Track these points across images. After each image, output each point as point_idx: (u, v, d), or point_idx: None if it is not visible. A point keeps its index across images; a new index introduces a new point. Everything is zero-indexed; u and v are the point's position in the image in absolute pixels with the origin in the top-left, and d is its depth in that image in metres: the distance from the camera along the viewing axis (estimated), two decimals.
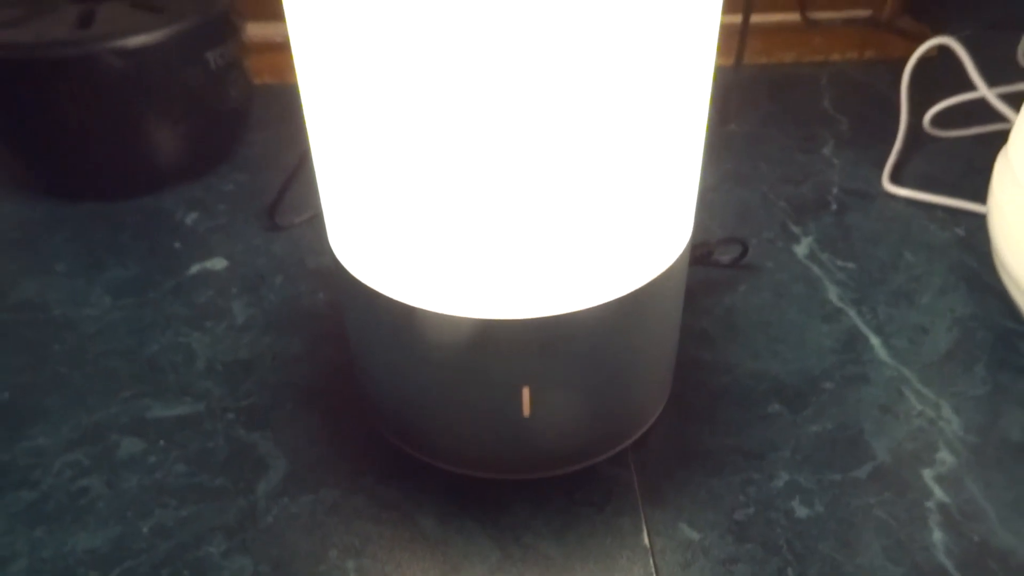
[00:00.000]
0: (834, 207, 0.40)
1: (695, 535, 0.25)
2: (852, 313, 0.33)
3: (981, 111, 0.43)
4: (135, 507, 0.26)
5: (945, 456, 0.27)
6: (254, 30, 0.49)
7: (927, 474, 0.26)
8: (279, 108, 0.48)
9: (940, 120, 0.45)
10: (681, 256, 0.25)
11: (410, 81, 0.19)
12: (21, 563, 0.24)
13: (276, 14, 0.51)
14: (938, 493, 0.26)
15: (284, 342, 0.32)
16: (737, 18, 0.50)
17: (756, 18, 0.53)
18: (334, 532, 0.25)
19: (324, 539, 0.25)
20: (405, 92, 0.19)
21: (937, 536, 0.25)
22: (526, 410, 0.24)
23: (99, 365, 0.31)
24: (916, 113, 0.45)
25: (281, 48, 0.52)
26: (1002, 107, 0.40)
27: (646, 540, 0.25)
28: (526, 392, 0.24)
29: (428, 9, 0.17)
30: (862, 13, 0.55)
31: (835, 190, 0.41)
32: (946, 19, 0.56)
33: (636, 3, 0.18)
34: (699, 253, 0.35)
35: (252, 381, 0.31)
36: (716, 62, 0.51)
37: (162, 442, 0.28)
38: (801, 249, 0.37)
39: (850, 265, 0.36)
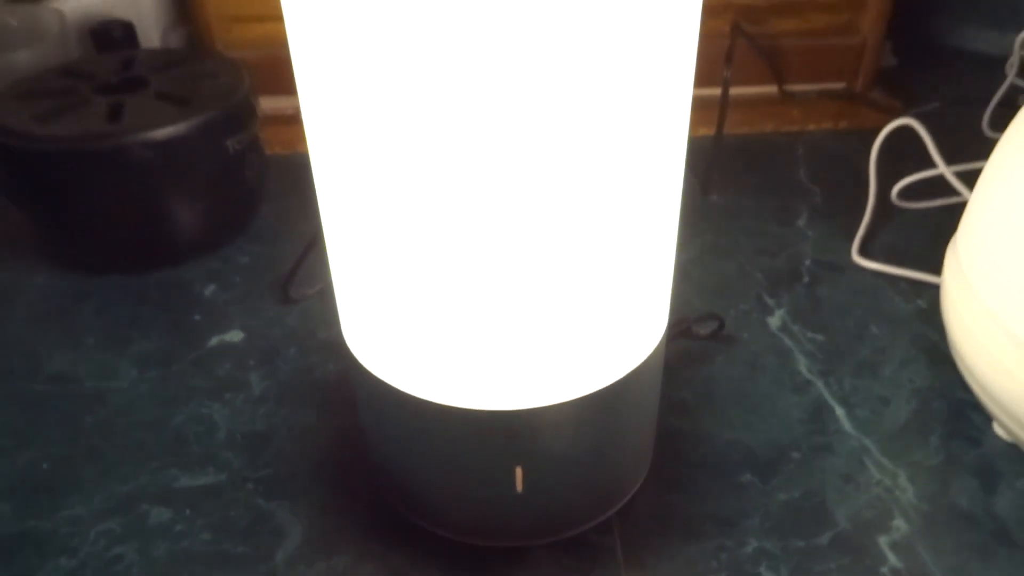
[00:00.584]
0: (806, 279, 0.43)
1: None
2: (820, 384, 0.36)
3: (944, 185, 0.47)
4: (166, 574, 0.29)
5: (900, 524, 0.30)
6: (266, 103, 0.52)
7: (883, 541, 0.29)
8: (290, 179, 0.51)
9: (907, 193, 0.48)
10: (657, 348, 0.28)
11: (407, 202, 0.22)
12: None
13: (287, 88, 0.54)
14: (892, 559, 0.29)
15: (298, 413, 0.35)
16: (718, 91, 0.54)
17: (736, 90, 0.56)
18: None
19: None
20: (403, 212, 0.22)
21: None
22: (519, 486, 0.27)
23: (129, 437, 0.34)
24: (885, 185, 0.48)
25: (291, 120, 0.55)
26: (960, 186, 0.44)
27: None
28: (519, 471, 0.27)
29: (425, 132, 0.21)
30: (836, 86, 0.59)
31: (808, 262, 0.44)
32: (917, 91, 0.60)
33: (605, 106, 0.21)
34: (679, 329, 0.38)
35: (269, 451, 0.33)
36: (699, 132, 0.54)
37: (188, 511, 0.31)
38: (775, 321, 0.40)
39: (819, 337, 0.39)
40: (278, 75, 0.55)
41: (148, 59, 0.46)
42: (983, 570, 0.28)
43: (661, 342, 0.28)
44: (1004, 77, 0.58)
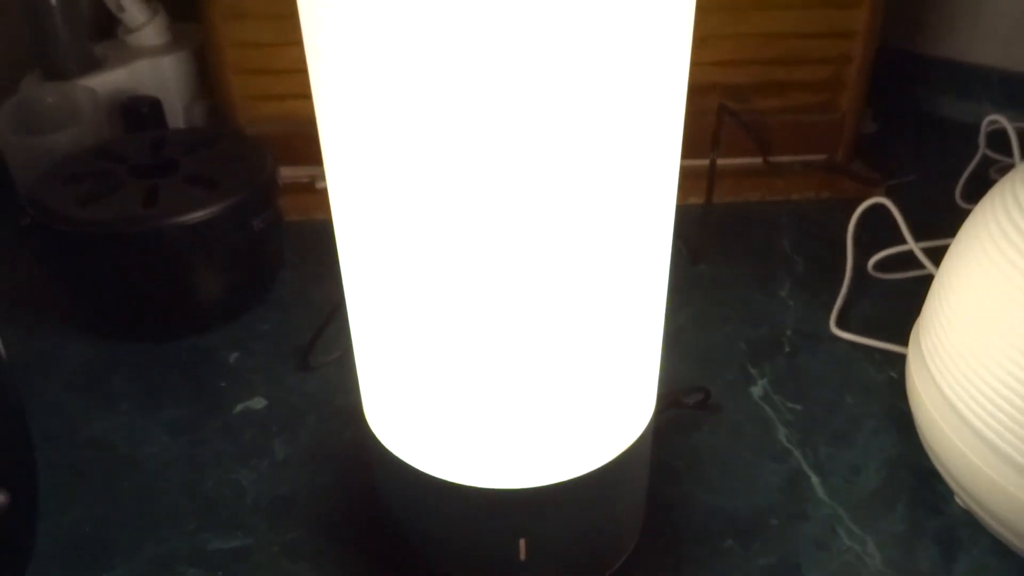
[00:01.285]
0: (787, 349, 0.46)
1: None
2: (797, 453, 0.39)
3: (917, 258, 0.50)
4: None
5: None
6: (283, 171, 0.56)
7: None
8: (306, 245, 0.54)
9: (882, 265, 0.51)
10: (645, 430, 0.31)
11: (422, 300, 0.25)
12: None
13: (303, 159, 0.58)
14: None
15: (318, 477, 0.38)
16: (707, 162, 0.57)
17: (725, 162, 0.60)
18: None
19: None
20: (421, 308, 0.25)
21: None
22: (522, 555, 0.30)
23: (164, 501, 0.37)
24: (862, 257, 0.52)
25: (306, 188, 0.59)
26: (927, 262, 0.47)
27: None
28: (523, 542, 0.30)
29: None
30: (818, 157, 0.62)
31: (789, 332, 0.47)
32: (896, 160, 0.64)
33: (598, 197, 0.24)
34: (668, 399, 0.41)
35: (293, 515, 0.36)
36: (689, 201, 0.58)
37: (220, 573, 0.34)
38: (757, 391, 0.43)
39: (798, 407, 0.42)
40: (295, 147, 0.59)
41: (177, 140, 0.50)
42: None
43: (649, 424, 0.31)
44: (978, 148, 0.62)
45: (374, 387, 0.29)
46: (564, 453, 0.28)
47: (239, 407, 0.42)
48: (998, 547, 0.34)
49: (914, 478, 0.38)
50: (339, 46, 0.22)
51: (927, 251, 0.48)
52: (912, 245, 0.48)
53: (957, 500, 0.36)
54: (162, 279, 0.45)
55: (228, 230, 0.45)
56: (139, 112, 0.56)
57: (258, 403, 0.43)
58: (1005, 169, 0.60)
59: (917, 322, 0.37)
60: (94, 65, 0.60)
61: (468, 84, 0.20)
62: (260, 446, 0.40)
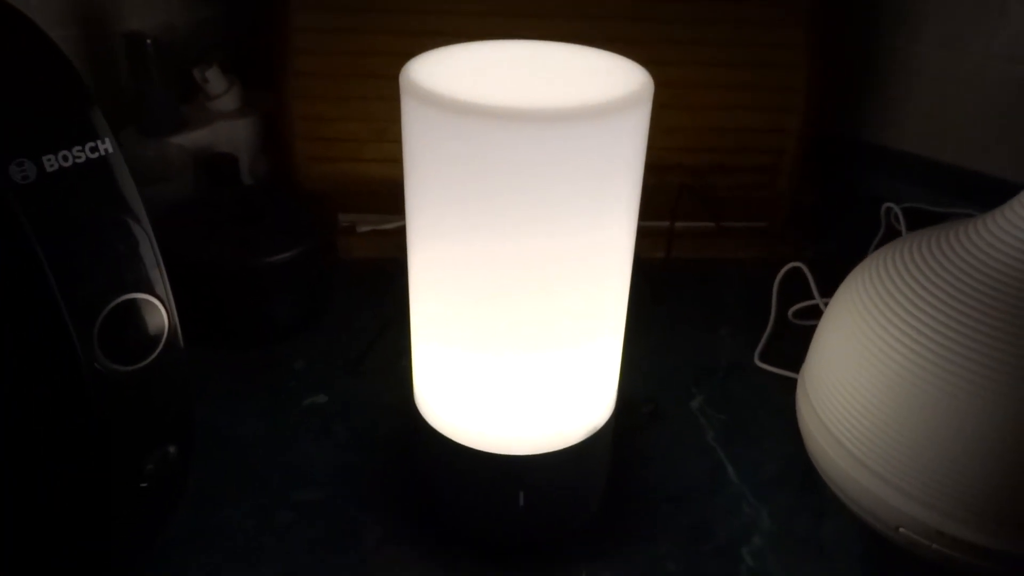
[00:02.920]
0: (720, 375, 0.61)
1: None
2: (719, 450, 0.54)
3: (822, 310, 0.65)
4: (297, 550, 0.45)
5: (757, 540, 0.47)
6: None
7: (744, 550, 0.47)
8: (351, 278, 0.69)
9: (799, 313, 0.66)
10: (608, 420, 0.45)
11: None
12: None
13: (352, 208, 0.72)
14: (748, 561, 0.46)
15: (368, 452, 0.52)
16: (666, 223, 0.72)
17: (685, 224, 0.75)
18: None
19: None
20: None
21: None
22: (521, 503, 0.44)
23: (260, 467, 0.51)
24: (784, 307, 0.67)
25: (350, 231, 0.73)
26: None
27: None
28: (522, 493, 0.44)
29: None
30: (760, 224, 0.78)
31: (723, 362, 0.62)
32: (824, 230, 0.79)
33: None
34: (627, 407, 0.56)
35: (351, 478, 0.50)
36: (656, 255, 0.73)
37: (305, 514, 0.48)
38: (695, 404, 0.58)
39: (723, 417, 0.57)
40: (343, 199, 0.73)
41: (258, 195, 0.65)
42: (807, 569, 0.46)
43: (610, 419, 0.46)
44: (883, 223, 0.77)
45: (426, 378, 0.44)
46: (551, 433, 0.42)
47: (307, 401, 0.56)
48: (854, 519, 0.49)
49: (800, 471, 0.52)
50: (430, 182, 0.36)
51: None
52: (818, 300, 0.63)
53: (829, 486, 0.50)
54: (250, 303, 0.59)
55: (299, 268, 0.59)
56: (220, 168, 0.71)
57: (321, 399, 0.57)
58: None
59: (804, 360, 0.52)
60: (182, 125, 0.74)
61: (496, 197, 0.35)
62: (325, 430, 0.54)
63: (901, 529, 0.43)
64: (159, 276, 0.39)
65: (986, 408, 0.39)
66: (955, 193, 0.84)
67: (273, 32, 0.69)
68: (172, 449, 0.42)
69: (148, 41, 0.69)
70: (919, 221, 0.79)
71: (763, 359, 0.62)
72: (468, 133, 0.33)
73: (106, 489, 0.39)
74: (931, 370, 0.41)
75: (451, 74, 0.37)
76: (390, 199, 0.72)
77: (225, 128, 0.75)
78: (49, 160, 0.34)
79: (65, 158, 0.35)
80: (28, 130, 0.34)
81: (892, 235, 0.76)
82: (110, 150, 0.36)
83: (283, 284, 0.59)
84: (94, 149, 0.36)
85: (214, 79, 0.76)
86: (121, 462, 0.39)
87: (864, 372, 0.44)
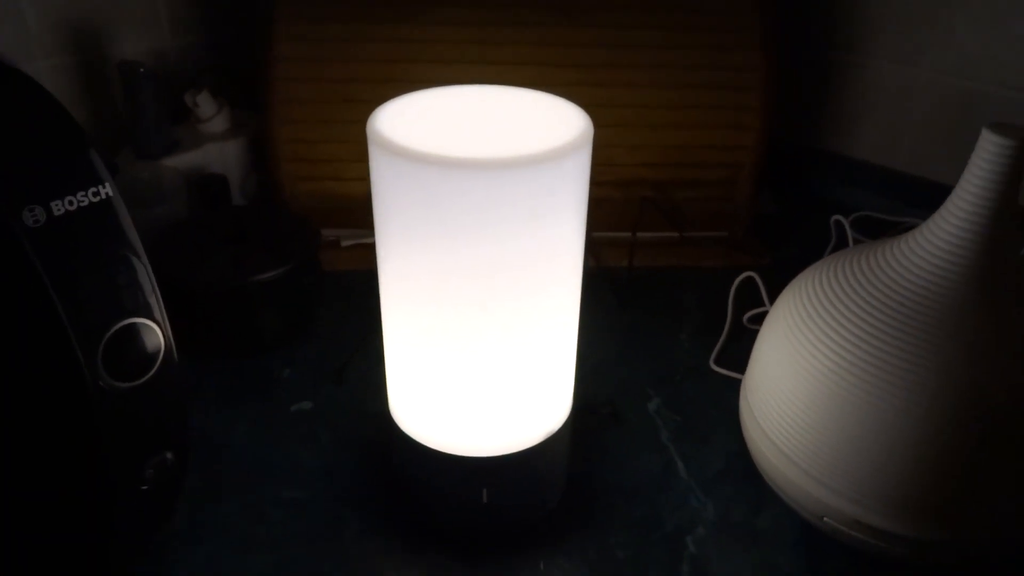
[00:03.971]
0: (678, 378, 0.66)
1: (570, 566, 0.50)
2: (672, 449, 0.59)
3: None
4: (282, 543, 0.50)
5: (701, 530, 0.52)
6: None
7: (688, 539, 0.52)
8: (335, 291, 0.73)
9: (753, 319, 0.71)
10: (565, 422, 0.50)
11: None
12: None
13: (336, 223, 0.77)
14: (691, 548, 0.51)
15: (350, 454, 0.57)
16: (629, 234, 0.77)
17: (649, 234, 0.80)
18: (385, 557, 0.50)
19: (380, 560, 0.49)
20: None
21: (686, 569, 0.50)
22: (485, 499, 0.49)
23: (251, 467, 0.56)
24: (739, 313, 0.72)
25: (334, 246, 0.78)
26: None
27: (540, 566, 0.49)
28: (485, 491, 0.49)
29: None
30: (721, 234, 0.82)
31: (681, 367, 0.67)
32: (783, 238, 0.84)
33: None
34: (588, 409, 0.60)
35: (334, 479, 0.55)
36: (622, 263, 0.77)
37: (292, 511, 0.53)
38: (652, 406, 0.63)
39: (678, 418, 0.61)
40: (327, 215, 0.78)
41: (247, 215, 0.69)
42: (738, 559, 0.51)
43: (567, 421, 0.50)
44: (837, 234, 0.82)
45: (398, 389, 0.48)
46: (511, 436, 0.47)
47: (294, 407, 0.61)
48: (787, 509, 0.53)
49: (742, 467, 0.57)
50: (396, 222, 0.41)
51: None
52: (768, 307, 0.68)
53: (765, 480, 0.55)
54: (240, 319, 0.63)
55: (289, 285, 0.64)
56: (211, 188, 0.76)
57: (306, 405, 0.62)
58: None
59: (748, 364, 0.57)
60: (173, 147, 0.79)
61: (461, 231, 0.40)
62: (311, 434, 0.59)
63: (825, 519, 0.48)
64: (155, 302, 0.44)
65: (898, 414, 0.44)
66: (906, 199, 0.89)
67: (259, 62, 0.73)
68: (169, 455, 0.47)
69: (141, 69, 0.74)
70: (869, 228, 0.84)
71: (718, 363, 0.67)
72: (424, 177, 0.38)
73: (110, 492, 0.44)
74: (849, 379, 0.46)
75: (411, 120, 0.42)
76: (372, 215, 0.77)
77: (215, 149, 0.80)
78: (56, 205, 0.39)
79: (71, 202, 0.39)
80: (38, 179, 0.39)
81: (842, 244, 0.81)
82: (110, 193, 0.41)
83: (270, 300, 0.63)
84: (96, 193, 0.40)
85: (204, 103, 0.80)
86: (123, 468, 0.44)
87: (792, 378, 0.49)
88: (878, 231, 0.84)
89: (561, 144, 0.39)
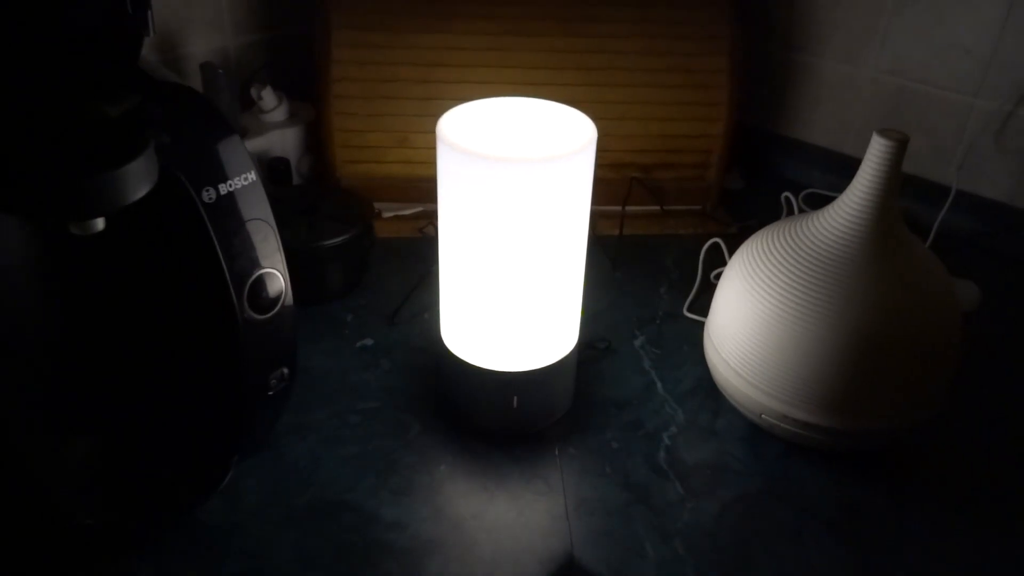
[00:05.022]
0: (658, 322, 0.83)
1: (578, 453, 0.67)
2: (652, 373, 0.76)
3: None
4: (361, 438, 0.68)
5: (673, 429, 0.70)
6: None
7: (664, 435, 0.69)
8: (381, 253, 0.90)
9: (719, 276, 0.88)
10: (573, 349, 0.67)
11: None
12: None
13: (382, 197, 0.94)
14: (666, 441, 0.69)
15: (406, 377, 0.74)
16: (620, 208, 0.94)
17: (636, 208, 0.97)
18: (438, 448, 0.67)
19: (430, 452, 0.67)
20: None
21: (662, 455, 0.67)
22: (515, 405, 0.66)
23: (332, 387, 0.73)
24: (708, 271, 0.89)
25: (378, 217, 0.95)
26: None
27: (556, 452, 0.67)
28: (515, 398, 0.66)
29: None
30: (696, 206, 1.00)
31: (660, 312, 0.84)
32: (747, 210, 1.01)
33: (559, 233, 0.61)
34: (588, 343, 0.78)
35: (395, 393, 0.72)
36: (613, 232, 0.95)
37: (366, 418, 0.70)
38: (638, 342, 0.80)
39: (658, 352, 0.79)
40: (372, 190, 0.94)
41: (312, 192, 0.86)
42: (701, 449, 0.68)
43: (574, 348, 0.68)
44: (789, 206, 1.00)
45: (449, 323, 0.66)
46: (534, 357, 0.64)
47: (358, 343, 0.78)
48: (737, 414, 0.71)
49: (706, 386, 0.75)
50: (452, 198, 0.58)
51: None
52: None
53: (722, 393, 0.73)
54: (315, 274, 0.80)
55: (351, 248, 0.80)
56: (278, 169, 0.92)
57: (368, 341, 0.79)
58: None
59: (710, 308, 0.74)
60: (243, 134, 0.95)
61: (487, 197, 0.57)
62: (373, 362, 0.76)
63: (763, 415, 0.66)
64: (280, 257, 0.60)
65: (815, 336, 0.62)
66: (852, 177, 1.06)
67: (317, 63, 0.89)
68: (286, 370, 0.64)
69: (220, 71, 0.90)
70: (819, 202, 1.01)
71: (690, 310, 0.84)
72: (477, 168, 0.55)
73: (248, 396, 0.61)
74: (781, 313, 0.63)
75: (468, 124, 0.59)
76: (409, 191, 0.95)
77: (277, 135, 0.96)
78: (222, 187, 0.55)
79: (231, 184, 0.56)
80: (212, 168, 0.55)
81: (791, 215, 0.99)
82: (253, 178, 0.58)
83: (337, 260, 0.80)
84: (246, 178, 0.57)
85: (267, 96, 0.96)
86: (256, 378, 0.61)
87: (741, 314, 0.66)
88: (824, 204, 1.01)
89: (575, 146, 0.56)
